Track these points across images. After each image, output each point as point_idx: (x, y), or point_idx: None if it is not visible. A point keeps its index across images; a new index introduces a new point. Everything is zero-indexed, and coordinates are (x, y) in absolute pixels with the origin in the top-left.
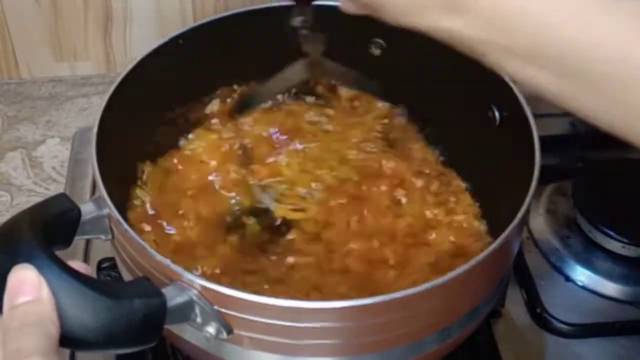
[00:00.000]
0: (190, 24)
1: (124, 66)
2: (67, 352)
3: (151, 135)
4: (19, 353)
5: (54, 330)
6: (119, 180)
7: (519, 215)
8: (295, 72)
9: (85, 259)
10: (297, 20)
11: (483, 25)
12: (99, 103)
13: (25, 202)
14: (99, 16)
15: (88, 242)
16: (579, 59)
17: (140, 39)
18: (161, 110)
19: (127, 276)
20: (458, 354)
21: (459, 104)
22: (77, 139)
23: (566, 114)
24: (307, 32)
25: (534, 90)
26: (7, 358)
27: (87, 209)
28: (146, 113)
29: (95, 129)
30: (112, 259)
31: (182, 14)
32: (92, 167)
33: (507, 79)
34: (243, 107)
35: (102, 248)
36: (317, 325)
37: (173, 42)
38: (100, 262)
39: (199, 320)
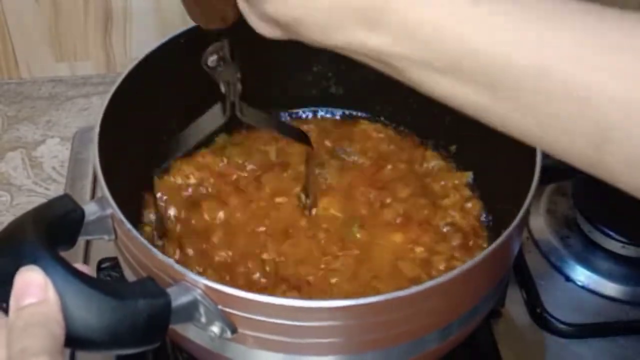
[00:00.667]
0: (191, 23)
1: (124, 66)
2: (67, 351)
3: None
4: (24, 353)
5: (59, 331)
6: (121, 180)
7: (520, 215)
8: (211, 118)
9: (85, 260)
10: (212, 59)
11: (399, 38)
12: (99, 103)
13: (25, 202)
14: (99, 16)
15: (88, 242)
16: (494, 70)
17: (140, 39)
18: (163, 109)
19: (130, 276)
20: (458, 353)
21: None
22: (77, 139)
23: None
24: (222, 68)
25: (456, 106)
26: (12, 358)
27: (91, 210)
28: (147, 113)
29: (97, 129)
30: (112, 259)
31: (182, 13)
32: (94, 167)
33: None
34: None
35: (102, 248)
36: (320, 324)
37: (174, 41)
38: (100, 262)
39: (203, 319)
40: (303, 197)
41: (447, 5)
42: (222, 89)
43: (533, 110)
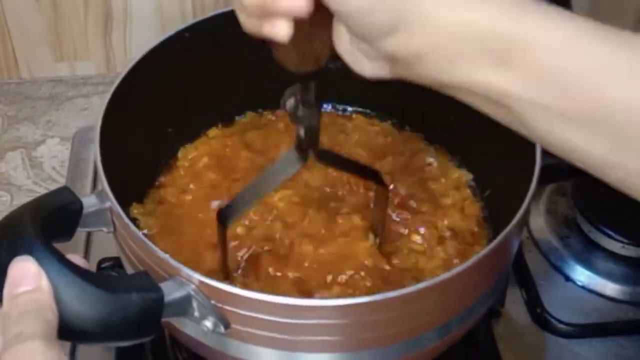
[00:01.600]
0: (192, 20)
1: (124, 66)
2: (67, 348)
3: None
4: (19, 337)
5: (52, 318)
6: (121, 175)
7: (519, 214)
8: (285, 165)
9: (85, 259)
10: (289, 103)
11: (530, 81)
12: (99, 103)
13: (25, 202)
14: (99, 16)
15: (88, 241)
16: (632, 122)
17: (140, 39)
18: (164, 105)
19: (129, 269)
20: (459, 353)
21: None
22: (77, 139)
23: None
24: (302, 112)
25: (577, 159)
26: (7, 344)
27: (90, 202)
28: (149, 108)
29: (99, 123)
30: (112, 259)
31: (182, 13)
32: (94, 157)
33: None
34: (228, 216)
35: (102, 248)
36: (315, 322)
37: (176, 37)
38: (100, 262)
39: (196, 314)
40: (372, 237)
41: (588, 53)
42: (301, 133)
43: None
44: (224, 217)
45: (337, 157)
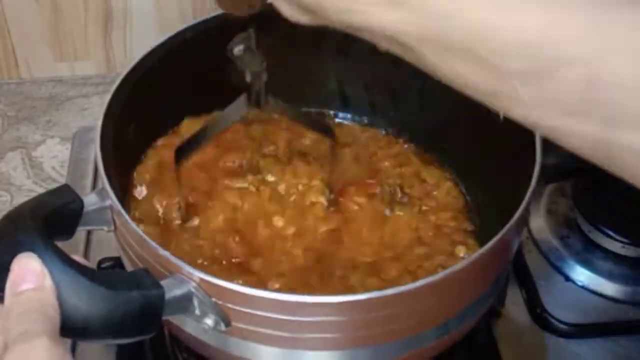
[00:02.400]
0: (190, 22)
1: (124, 66)
2: (68, 346)
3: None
4: (25, 335)
5: (55, 316)
6: (120, 175)
7: (518, 213)
8: (236, 108)
9: (85, 259)
10: (238, 49)
11: (418, 17)
12: (99, 103)
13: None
14: (99, 16)
15: (88, 241)
16: (503, 47)
17: (140, 39)
18: (165, 106)
19: (129, 267)
20: (458, 354)
21: (462, 100)
22: (77, 139)
23: None
24: (248, 58)
25: (466, 89)
26: (11, 342)
27: (90, 201)
28: (149, 110)
29: (99, 123)
30: (112, 259)
31: (182, 14)
32: (94, 157)
33: None
34: (182, 154)
35: (102, 248)
36: (315, 319)
37: (177, 37)
38: (100, 262)
39: (197, 312)
40: (327, 192)
41: None
42: (248, 78)
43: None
44: (178, 156)
45: (286, 107)
